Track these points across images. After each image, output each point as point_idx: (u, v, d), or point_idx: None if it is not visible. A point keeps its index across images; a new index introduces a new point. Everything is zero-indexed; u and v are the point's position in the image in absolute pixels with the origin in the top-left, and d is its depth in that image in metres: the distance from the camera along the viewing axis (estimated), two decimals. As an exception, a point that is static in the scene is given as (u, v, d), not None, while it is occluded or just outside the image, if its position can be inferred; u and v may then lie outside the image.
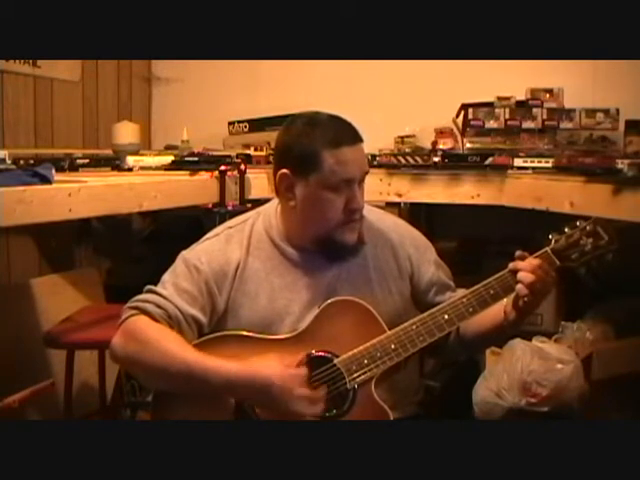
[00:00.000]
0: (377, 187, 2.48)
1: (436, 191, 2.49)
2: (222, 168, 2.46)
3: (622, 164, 1.83)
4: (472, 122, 2.62)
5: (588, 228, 1.50)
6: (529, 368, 2.17)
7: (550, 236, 1.51)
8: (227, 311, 1.55)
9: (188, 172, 2.45)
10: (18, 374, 2.42)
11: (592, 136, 2.63)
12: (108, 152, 2.76)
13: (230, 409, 1.46)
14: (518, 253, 1.49)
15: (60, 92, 2.95)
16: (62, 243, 2.99)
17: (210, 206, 2.43)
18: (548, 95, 2.65)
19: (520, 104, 2.64)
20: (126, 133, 2.73)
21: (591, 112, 2.60)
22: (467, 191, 2.44)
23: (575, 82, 2.69)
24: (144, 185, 2.15)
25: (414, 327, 1.50)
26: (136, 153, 2.61)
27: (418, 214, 2.68)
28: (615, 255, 1.50)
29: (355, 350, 1.49)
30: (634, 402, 2.10)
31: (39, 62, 2.78)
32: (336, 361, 1.49)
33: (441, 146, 2.65)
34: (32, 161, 2.15)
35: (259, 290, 1.55)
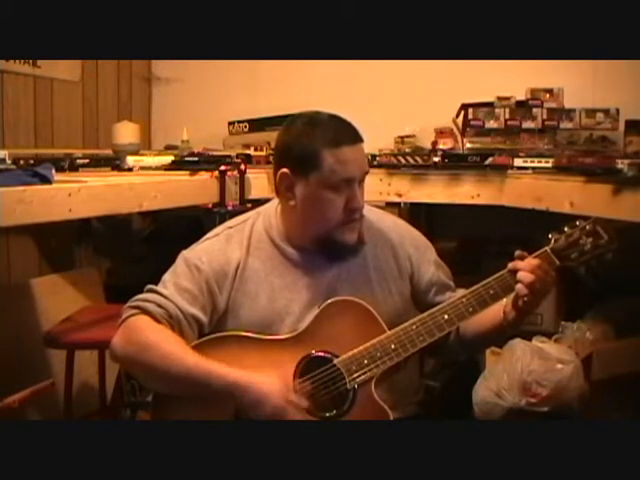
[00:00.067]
0: (377, 187, 2.48)
1: (436, 191, 2.49)
2: (222, 168, 2.46)
3: (622, 164, 1.83)
4: (472, 122, 2.62)
5: (588, 228, 1.49)
6: (529, 368, 2.17)
7: (550, 236, 1.51)
8: (227, 311, 1.55)
9: (188, 172, 2.45)
10: (18, 374, 2.42)
11: (592, 136, 2.63)
12: (108, 152, 2.76)
13: (230, 410, 1.46)
14: (517, 253, 1.49)
15: (60, 92, 2.95)
16: (62, 243, 2.99)
17: (210, 206, 2.43)
18: (548, 95, 2.65)
19: (520, 104, 2.64)
20: (126, 133, 2.73)
21: (591, 112, 2.60)
22: (467, 191, 2.44)
23: (575, 82, 2.69)
24: (144, 185, 2.15)
25: (414, 327, 1.50)
26: (136, 153, 2.61)
27: (418, 214, 2.68)
28: (615, 255, 1.50)
29: (355, 350, 1.49)
30: (634, 402, 2.10)
31: (39, 62, 2.78)
32: (336, 361, 1.49)
33: (441, 146, 2.65)
34: (32, 161, 2.15)
35: (259, 290, 1.55)
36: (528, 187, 2.26)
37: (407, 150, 2.69)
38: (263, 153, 2.76)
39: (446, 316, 1.51)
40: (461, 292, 1.56)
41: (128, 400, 2.76)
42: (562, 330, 2.39)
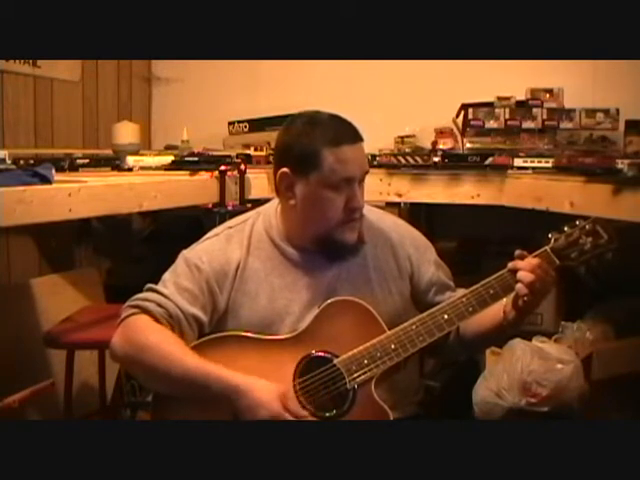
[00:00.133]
0: (377, 187, 2.48)
1: (436, 191, 2.49)
2: (222, 168, 2.46)
3: (622, 164, 1.83)
4: (472, 122, 2.62)
5: (587, 227, 1.50)
6: (529, 368, 2.17)
7: (550, 235, 1.51)
8: (227, 311, 1.55)
9: (188, 172, 2.45)
10: (18, 374, 2.42)
11: (592, 136, 2.63)
12: (108, 152, 2.76)
13: (230, 410, 1.46)
14: (517, 252, 1.49)
15: (60, 92, 2.95)
16: (62, 243, 2.99)
17: (210, 206, 2.43)
18: (548, 95, 2.65)
19: (520, 104, 2.64)
20: (126, 133, 2.73)
21: (591, 112, 2.60)
22: (467, 191, 2.44)
23: (575, 82, 2.69)
24: (144, 185, 2.15)
25: (414, 327, 1.50)
26: (136, 153, 2.61)
27: (418, 214, 2.68)
28: (615, 255, 1.50)
29: (355, 350, 1.49)
30: (634, 402, 2.10)
31: (39, 62, 2.78)
32: (336, 361, 1.49)
33: (441, 146, 2.65)
34: (32, 161, 2.15)
35: (259, 290, 1.55)
36: (528, 187, 2.26)
37: (407, 150, 2.69)
38: (263, 153, 2.76)
39: (446, 316, 1.51)
40: (461, 292, 1.56)
41: (128, 400, 2.76)
42: (562, 330, 2.39)
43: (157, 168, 2.49)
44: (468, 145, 2.60)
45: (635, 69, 2.53)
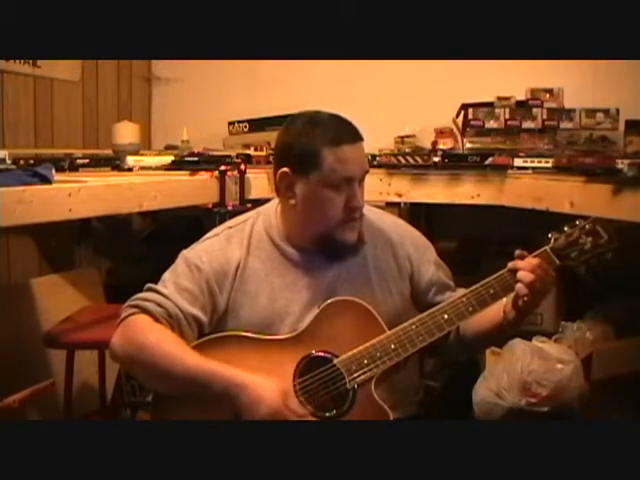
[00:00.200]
0: (377, 187, 2.48)
1: (436, 191, 2.49)
2: (222, 168, 2.46)
3: (622, 164, 1.83)
4: (472, 122, 2.62)
5: (587, 227, 1.50)
6: (529, 368, 2.17)
7: (550, 235, 1.51)
8: (227, 311, 1.55)
9: (188, 172, 2.45)
10: (18, 374, 2.42)
11: (592, 136, 2.63)
12: (108, 152, 2.76)
13: (230, 410, 1.46)
14: (517, 252, 1.49)
15: (60, 92, 2.95)
16: (62, 243, 2.99)
17: (210, 206, 2.43)
18: (548, 95, 2.65)
19: (520, 104, 2.64)
20: (126, 133, 2.73)
21: (591, 112, 2.60)
22: (467, 191, 2.44)
23: (575, 82, 2.69)
24: (144, 185, 2.15)
25: (414, 327, 1.50)
26: (136, 153, 2.61)
27: (418, 214, 2.68)
28: (615, 255, 1.50)
29: (355, 350, 1.49)
30: (634, 402, 2.10)
31: (39, 62, 2.78)
32: (336, 361, 1.49)
33: (441, 146, 2.65)
34: (32, 161, 2.15)
35: (259, 290, 1.55)
36: (528, 187, 2.26)
37: (407, 150, 2.69)
38: (263, 153, 2.76)
39: (446, 316, 1.51)
40: (461, 292, 1.56)
41: (128, 400, 2.76)
42: (562, 330, 2.39)
43: (157, 168, 2.49)
44: (468, 145, 2.60)
45: (635, 69, 2.53)
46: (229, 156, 2.62)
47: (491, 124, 2.61)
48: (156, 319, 1.49)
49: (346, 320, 1.51)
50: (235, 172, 2.50)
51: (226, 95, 3.31)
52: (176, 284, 1.53)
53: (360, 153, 1.52)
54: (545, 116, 2.60)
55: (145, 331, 1.47)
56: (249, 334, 1.52)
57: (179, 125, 2.91)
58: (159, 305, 1.50)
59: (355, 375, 1.48)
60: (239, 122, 3.15)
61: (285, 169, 1.51)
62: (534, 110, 2.61)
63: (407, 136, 2.80)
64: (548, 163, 2.26)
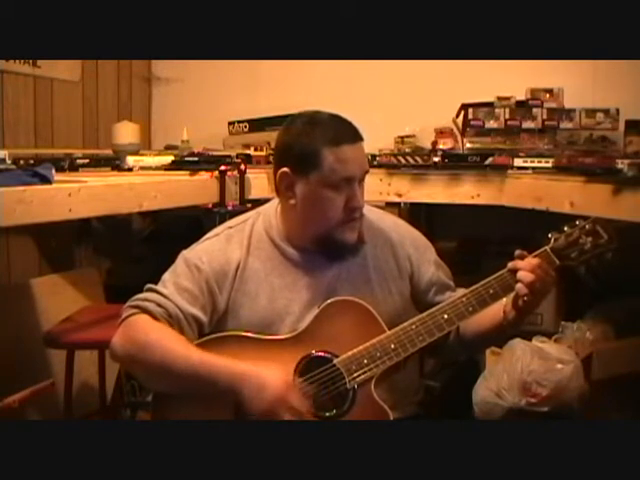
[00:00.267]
0: (377, 187, 2.48)
1: (436, 191, 2.49)
2: (222, 168, 2.46)
3: (622, 164, 1.83)
4: (472, 122, 2.62)
5: (587, 227, 1.50)
6: (529, 368, 2.17)
7: (550, 235, 1.51)
8: (227, 311, 1.55)
9: (188, 172, 2.45)
10: (18, 374, 2.42)
11: (592, 136, 2.63)
12: (108, 152, 2.76)
13: (230, 409, 1.46)
14: (517, 252, 1.49)
15: (60, 92, 2.95)
16: (62, 243, 2.99)
17: (210, 206, 2.43)
18: (548, 95, 2.65)
19: (520, 104, 2.64)
20: (126, 133, 2.73)
21: (591, 112, 2.60)
22: (467, 191, 2.44)
23: (575, 82, 2.69)
24: (144, 185, 2.15)
25: (414, 327, 1.50)
26: (136, 153, 2.61)
27: (418, 214, 2.68)
28: (615, 255, 1.50)
29: (355, 350, 1.49)
30: (634, 402, 2.10)
31: (39, 62, 2.78)
32: (336, 361, 1.49)
33: (441, 146, 2.65)
34: (32, 161, 2.15)
35: (259, 290, 1.55)
36: (528, 187, 2.26)
37: (407, 150, 2.69)
38: (263, 153, 2.76)
39: (446, 316, 1.51)
40: (461, 292, 1.56)
41: (128, 400, 2.76)
42: (562, 330, 2.39)
43: (157, 168, 2.49)
44: (468, 145, 2.60)
45: (635, 69, 2.53)
46: (229, 156, 2.62)
47: (491, 124, 2.61)
48: (156, 319, 1.49)
49: (346, 320, 1.51)
50: (235, 172, 2.50)
51: (226, 95, 3.31)
52: (176, 284, 1.53)
53: (360, 153, 1.52)
54: (545, 116, 2.60)
55: (146, 330, 1.48)
56: (249, 334, 1.52)
57: (179, 125, 2.91)
58: (159, 305, 1.50)
59: (355, 375, 1.48)
60: (239, 122, 3.15)
61: (285, 169, 1.51)
62: (534, 110, 2.61)
63: (407, 136, 2.80)
64: (548, 163, 2.26)
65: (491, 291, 1.50)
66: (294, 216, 1.55)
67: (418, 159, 2.51)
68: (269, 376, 1.40)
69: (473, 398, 2.28)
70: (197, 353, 1.45)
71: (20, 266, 2.75)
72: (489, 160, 2.41)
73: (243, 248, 1.57)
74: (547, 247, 1.50)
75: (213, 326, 1.55)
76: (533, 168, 2.31)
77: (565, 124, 2.60)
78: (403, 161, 2.52)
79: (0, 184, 1.62)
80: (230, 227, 1.62)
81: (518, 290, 1.45)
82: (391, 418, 1.47)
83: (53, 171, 1.82)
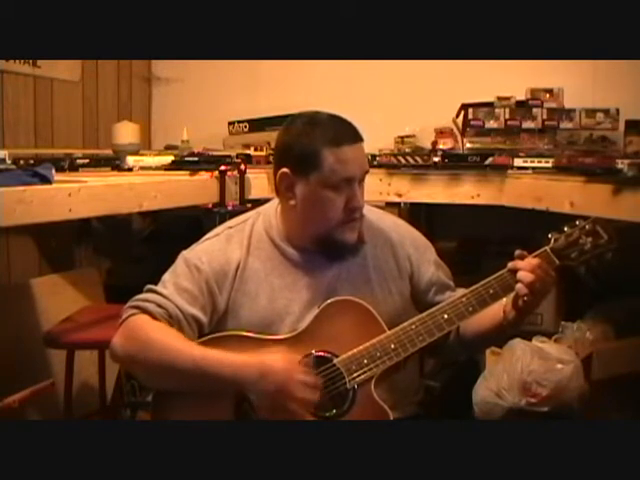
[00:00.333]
0: (377, 187, 2.48)
1: (436, 191, 2.49)
2: (222, 168, 2.46)
3: (622, 164, 1.83)
4: (472, 122, 2.62)
5: (587, 227, 1.50)
6: (529, 368, 2.17)
7: (550, 235, 1.51)
8: (227, 311, 1.55)
9: (188, 172, 2.45)
10: (18, 374, 2.42)
11: (592, 136, 2.63)
12: (108, 152, 2.76)
13: (230, 409, 1.46)
14: (517, 252, 1.49)
15: (60, 92, 2.95)
16: (62, 243, 2.99)
17: (210, 206, 2.43)
18: (548, 95, 2.65)
19: (520, 104, 2.64)
20: (126, 133, 2.73)
21: (591, 112, 2.60)
22: (467, 191, 2.44)
23: (575, 82, 2.69)
24: (144, 185, 2.15)
25: (414, 327, 1.50)
26: (136, 153, 2.61)
27: (418, 214, 2.68)
28: (615, 255, 1.50)
29: (355, 350, 1.49)
30: (634, 402, 2.10)
31: (39, 62, 2.78)
32: (336, 361, 1.49)
33: (441, 146, 2.65)
34: (32, 161, 2.15)
35: (259, 290, 1.55)
36: (528, 187, 2.26)
37: (407, 150, 2.69)
38: (263, 153, 2.76)
39: (446, 316, 1.51)
40: (461, 292, 1.56)
41: (128, 400, 2.76)
42: (562, 330, 2.39)
43: (157, 168, 2.49)
44: (468, 145, 2.60)
45: (635, 69, 2.53)
46: (229, 156, 2.62)
47: (491, 124, 2.61)
48: (156, 319, 1.49)
49: (346, 320, 1.51)
50: (235, 172, 2.50)
51: (226, 95, 3.31)
52: (176, 285, 1.53)
53: (360, 153, 1.52)
54: (545, 116, 2.60)
55: (146, 329, 1.48)
56: (249, 334, 1.52)
57: (179, 125, 2.91)
58: (159, 306, 1.50)
59: (355, 375, 1.48)
60: (239, 122, 3.15)
61: (285, 169, 1.51)
62: (534, 110, 2.61)
63: (407, 136, 2.80)
64: (548, 163, 2.26)
65: (491, 291, 1.50)
66: (294, 216, 1.55)
67: (418, 159, 2.51)
68: (272, 360, 1.41)
69: (473, 398, 2.28)
70: (198, 349, 1.45)
71: (20, 266, 2.75)
72: (489, 160, 2.41)
73: (243, 248, 1.57)
74: (547, 247, 1.50)
75: (213, 326, 1.55)
76: (533, 168, 2.31)
77: (565, 124, 2.60)
78: (403, 161, 2.52)
79: (0, 184, 1.62)
80: (230, 227, 1.62)
81: (518, 290, 1.45)
82: (391, 418, 1.47)
83: (53, 171, 1.82)
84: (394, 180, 2.52)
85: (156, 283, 1.56)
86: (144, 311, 1.50)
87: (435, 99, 2.87)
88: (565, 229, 1.51)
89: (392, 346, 1.49)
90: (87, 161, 2.44)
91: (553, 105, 2.63)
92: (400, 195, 2.52)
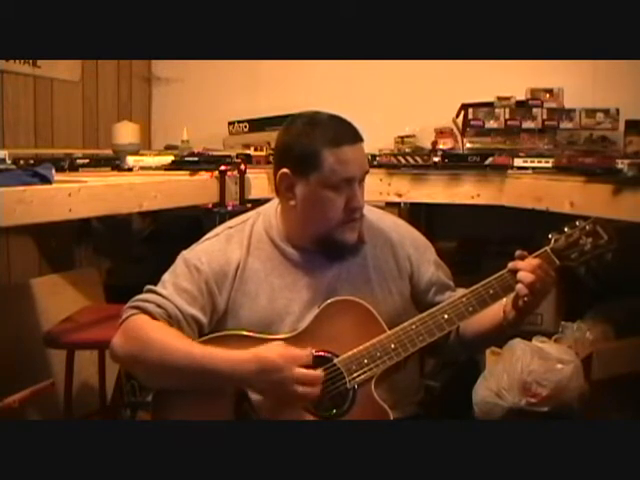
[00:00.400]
0: (377, 187, 2.48)
1: (436, 191, 2.49)
2: (222, 168, 2.46)
3: (622, 164, 1.83)
4: (472, 122, 2.62)
5: (588, 228, 1.50)
6: (529, 368, 2.17)
7: (550, 236, 1.51)
8: (227, 311, 1.55)
9: (188, 172, 2.45)
10: (18, 374, 2.42)
11: (592, 136, 2.63)
12: (108, 152, 2.76)
13: (230, 408, 1.46)
14: (518, 253, 1.49)
15: (60, 92, 2.95)
16: (62, 243, 2.99)
17: (210, 206, 2.43)
18: (548, 95, 2.65)
19: (520, 104, 2.64)
20: (126, 133, 2.73)
21: (591, 112, 2.60)
22: (467, 191, 2.44)
23: (575, 82, 2.69)
24: (144, 185, 2.15)
25: (414, 327, 1.50)
26: (136, 153, 2.61)
27: (418, 214, 2.68)
28: (615, 255, 1.50)
29: (355, 350, 1.49)
30: (634, 402, 2.10)
31: (39, 62, 2.78)
32: (336, 361, 1.49)
33: (441, 146, 2.65)
34: (32, 161, 2.15)
35: (259, 290, 1.55)
36: (528, 187, 2.26)
37: (407, 150, 2.69)
38: (263, 153, 2.76)
39: (446, 316, 1.51)
40: (461, 292, 1.56)
41: (128, 400, 2.76)
42: (562, 330, 2.39)
43: (157, 168, 2.49)
44: (468, 145, 2.60)
45: (635, 69, 2.53)
46: (229, 156, 2.62)
47: (491, 124, 2.61)
48: (156, 319, 1.49)
49: (346, 320, 1.51)
50: (235, 172, 2.50)
51: (226, 95, 3.31)
52: (175, 285, 1.53)
53: (360, 154, 1.52)
54: (545, 116, 2.60)
55: (146, 329, 1.48)
56: (249, 333, 1.52)
57: (179, 125, 2.91)
58: (159, 306, 1.50)
59: (355, 375, 1.48)
60: (239, 122, 3.15)
61: (285, 170, 1.51)
62: (534, 110, 2.61)
63: (407, 136, 2.80)
64: (548, 163, 2.26)
65: (491, 291, 1.50)
66: (294, 216, 1.55)
67: (418, 159, 2.51)
68: (270, 353, 1.40)
69: (473, 398, 2.28)
70: (198, 347, 1.45)
71: (20, 266, 2.75)
72: (489, 160, 2.41)
73: (243, 248, 1.57)
74: (547, 248, 1.50)
75: (213, 326, 1.55)
76: (533, 168, 2.31)
77: (565, 124, 2.60)
78: (403, 161, 2.51)
79: (0, 184, 1.62)
80: (230, 227, 1.62)
81: (518, 290, 1.45)
82: (391, 418, 1.47)
83: (53, 171, 1.82)
84: (394, 180, 2.52)
85: (156, 283, 1.56)
86: (144, 311, 1.50)
87: (435, 99, 2.87)
88: (565, 229, 1.51)
89: (392, 346, 1.49)
90: (87, 161, 2.44)
91: (553, 105, 2.63)
92: (400, 195, 2.52)
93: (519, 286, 1.45)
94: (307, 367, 1.46)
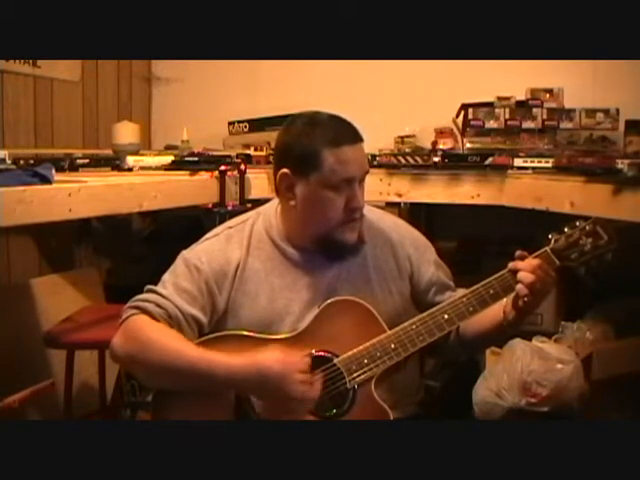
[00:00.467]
0: (377, 187, 2.48)
1: (436, 191, 2.49)
2: (222, 168, 2.46)
3: (622, 164, 1.83)
4: (472, 122, 2.62)
5: (588, 228, 1.50)
6: (529, 368, 2.17)
7: (550, 236, 1.51)
8: (227, 311, 1.55)
9: (188, 172, 2.45)
10: (18, 374, 2.42)
11: (592, 136, 2.63)
12: (108, 152, 2.76)
13: (230, 408, 1.46)
14: (518, 253, 1.49)
15: (60, 92, 2.95)
16: (62, 243, 2.99)
17: (210, 206, 2.43)
18: (548, 95, 2.65)
19: (520, 104, 2.65)
20: (126, 133, 2.73)
21: (591, 112, 2.60)
22: (467, 191, 2.44)
23: (575, 82, 2.69)
24: (144, 185, 2.15)
25: (414, 327, 1.50)
26: (136, 153, 2.61)
27: (418, 214, 2.68)
28: (615, 255, 1.50)
29: (355, 350, 1.49)
30: (634, 402, 2.10)
31: (39, 62, 2.78)
32: (336, 361, 1.49)
33: (441, 146, 2.65)
34: (32, 161, 2.15)
35: (259, 290, 1.55)
36: (528, 187, 2.26)
37: (407, 150, 2.69)
38: (263, 153, 2.76)
39: (446, 316, 1.51)
40: (461, 292, 1.56)
41: (128, 400, 2.76)
42: (562, 330, 2.39)
43: (157, 168, 2.49)
44: (468, 145, 2.60)
45: (635, 69, 2.53)
46: (229, 156, 2.62)
47: (491, 124, 2.61)
48: (156, 320, 1.49)
49: (346, 320, 1.51)
50: (235, 172, 2.50)
51: (226, 95, 3.31)
52: (175, 285, 1.53)
53: (360, 154, 1.52)
54: (545, 116, 2.60)
55: (146, 330, 1.48)
56: (249, 333, 1.52)
57: (179, 125, 2.91)
58: (158, 306, 1.50)
59: (355, 375, 1.48)
60: (239, 122, 3.15)
61: (285, 170, 1.51)
62: (534, 110, 2.61)
63: (407, 136, 2.80)
64: (548, 163, 2.26)
65: (491, 291, 1.50)
66: (294, 216, 1.55)
67: (418, 159, 2.51)
68: (269, 360, 1.40)
69: (473, 398, 2.28)
70: (196, 350, 1.45)
71: (20, 266, 2.75)
72: (489, 160, 2.41)
73: (243, 248, 1.57)
74: (547, 248, 1.50)
75: (213, 326, 1.55)
76: (533, 168, 2.31)
77: (565, 124, 2.60)
78: (403, 161, 2.52)
79: (0, 184, 1.62)
80: (230, 227, 1.62)
81: (518, 290, 1.45)
82: (391, 418, 1.47)
83: (53, 171, 1.82)
84: (394, 180, 2.52)
85: (156, 283, 1.56)
86: (144, 311, 1.50)
87: (435, 99, 2.87)
88: (565, 230, 1.51)
89: (392, 346, 1.49)
90: (87, 161, 2.44)
91: (553, 105, 2.63)
92: (400, 195, 2.53)
93: (519, 286, 1.45)
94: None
